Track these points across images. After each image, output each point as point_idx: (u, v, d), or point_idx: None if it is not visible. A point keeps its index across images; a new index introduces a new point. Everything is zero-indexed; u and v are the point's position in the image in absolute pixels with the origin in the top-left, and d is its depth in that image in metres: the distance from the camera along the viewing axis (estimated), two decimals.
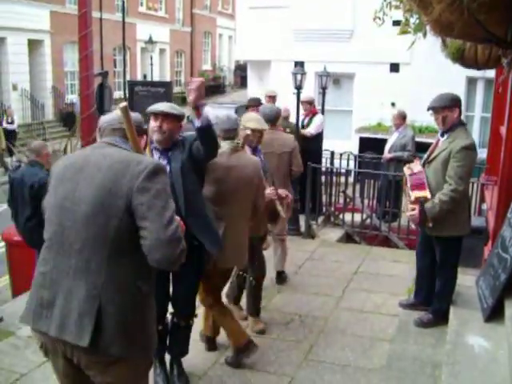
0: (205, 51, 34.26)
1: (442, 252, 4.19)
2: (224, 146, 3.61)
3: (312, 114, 8.31)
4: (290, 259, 5.68)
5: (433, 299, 4.32)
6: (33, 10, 19.26)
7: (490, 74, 8.28)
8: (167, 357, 3.60)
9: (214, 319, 3.94)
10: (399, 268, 6.00)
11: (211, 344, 4.08)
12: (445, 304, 4.19)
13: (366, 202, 8.66)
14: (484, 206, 7.03)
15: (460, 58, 4.74)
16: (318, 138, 8.38)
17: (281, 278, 5.50)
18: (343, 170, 8.77)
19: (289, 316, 4.73)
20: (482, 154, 7.55)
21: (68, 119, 20.22)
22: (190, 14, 32.06)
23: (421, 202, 4.01)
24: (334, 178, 8.51)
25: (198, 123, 3.11)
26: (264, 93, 7.91)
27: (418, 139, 8.94)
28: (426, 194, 4.05)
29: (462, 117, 4.26)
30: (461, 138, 4.03)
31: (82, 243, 2.14)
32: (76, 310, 2.11)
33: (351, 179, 8.59)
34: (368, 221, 8.23)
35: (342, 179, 8.68)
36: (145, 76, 25.07)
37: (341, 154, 9.27)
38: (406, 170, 4.34)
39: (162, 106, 3.23)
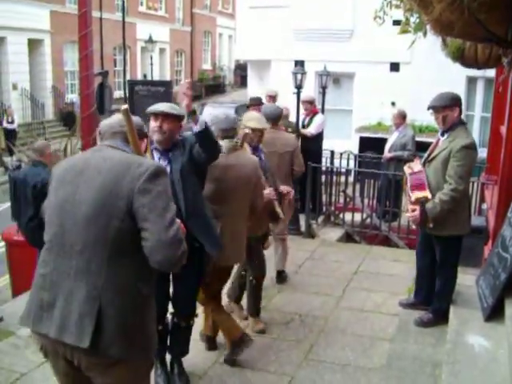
0: (205, 51, 34.28)
1: (442, 251, 4.19)
2: (223, 145, 3.61)
3: (313, 113, 8.27)
4: (290, 259, 5.68)
5: (433, 299, 4.32)
6: (33, 9, 19.27)
7: (491, 73, 8.26)
8: (167, 356, 3.60)
9: (214, 319, 3.94)
10: (399, 267, 6.00)
11: (211, 343, 4.08)
12: (445, 303, 4.19)
13: (366, 201, 8.64)
14: (484, 206, 7.02)
15: (460, 57, 4.74)
16: (319, 137, 8.35)
17: (281, 277, 5.50)
18: (343, 170, 8.75)
19: (289, 315, 4.73)
20: (482, 153, 7.54)
21: (68, 119, 20.28)
22: (190, 13, 32.09)
23: (422, 202, 4.00)
24: (334, 178, 8.49)
25: (195, 128, 3.13)
26: (264, 92, 7.90)
27: (418, 138, 8.91)
28: (427, 194, 4.04)
29: (462, 116, 4.25)
30: (461, 137, 4.02)
31: (83, 244, 2.14)
32: (76, 311, 2.10)
33: (351, 179, 8.58)
34: (368, 220, 8.21)
35: (342, 179, 8.67)
36: (145, 75, 25.06)
37: (341, 154, 9.25)
38: (407, 169, 4.33)
39: (162, 107, 3.23)
